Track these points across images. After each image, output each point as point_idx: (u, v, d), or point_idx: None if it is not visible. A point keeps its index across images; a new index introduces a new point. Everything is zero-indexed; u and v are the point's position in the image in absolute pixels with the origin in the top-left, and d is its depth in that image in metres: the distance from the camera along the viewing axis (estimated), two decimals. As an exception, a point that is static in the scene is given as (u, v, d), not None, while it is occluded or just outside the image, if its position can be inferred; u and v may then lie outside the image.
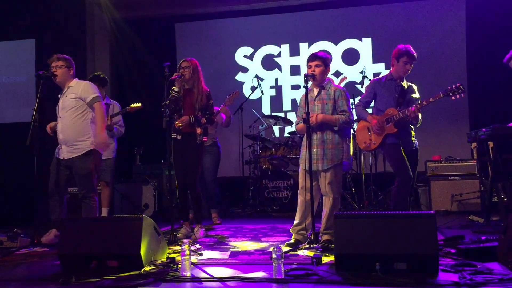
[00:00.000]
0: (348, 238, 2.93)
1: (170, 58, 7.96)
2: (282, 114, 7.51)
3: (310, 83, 3.98)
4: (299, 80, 7.68)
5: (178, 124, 4.50)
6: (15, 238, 4.25)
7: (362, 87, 6.72)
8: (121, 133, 5.64)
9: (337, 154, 3.86)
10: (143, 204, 6.35)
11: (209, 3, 7.82)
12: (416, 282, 2.58)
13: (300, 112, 4.04)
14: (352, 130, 6.39)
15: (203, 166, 5.09)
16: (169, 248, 3.71)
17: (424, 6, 7.38)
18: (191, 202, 4.67)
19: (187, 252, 2.93)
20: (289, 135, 6.78)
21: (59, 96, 4.46)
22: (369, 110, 4.47)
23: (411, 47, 4.23)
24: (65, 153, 4.32)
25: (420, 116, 4.12)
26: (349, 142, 4.04)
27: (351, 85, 7.53)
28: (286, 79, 7.87)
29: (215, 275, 2.93)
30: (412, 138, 4.24)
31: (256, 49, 8.01)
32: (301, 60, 7.66)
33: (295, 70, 7.83)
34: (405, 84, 4.29)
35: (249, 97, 7.25)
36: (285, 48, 7.93)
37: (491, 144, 4.83)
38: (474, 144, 5.94)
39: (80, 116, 4.34)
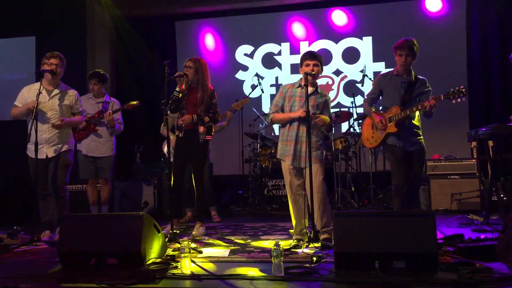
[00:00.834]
0: (348, 237, 2.93)
1: (170, 56, 7.98)
2: (282, 113, 7.50)
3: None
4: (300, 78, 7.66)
5: (180, 122, 4.50)
6: (15, 235, 4.27)
7: (362, 86, 6.72)
8: (121, 130, 5.64)
9: (321, 151, 3.99)
10: (143, 202, 6.36)
11: (209, 1, 7.81)
12: (416, 280, 2.58)
13: (292, 106, 4.02)
14: (359, 126, 6.40)
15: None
16: (169, 246, 3.71)
17: (424, 5, 7.36)
18: (196, 198, 4.60)
19: (186, 250, 2.94)
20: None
21: (40, 91, 4.31)
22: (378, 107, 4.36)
23: (409, 38, 4.06)
24: (50, 152, 4.49)
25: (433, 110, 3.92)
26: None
27: (351, 83, 7.53)
28: (286, 77, 7.86)
29: (214, 273, 2.94)
30: (418, 138, 4.07)
31: (256, 47, 8.01)
32: (301, 59, 7.65)
33: (295, 68, 7.80)
34: (413, 77, 4.10)
35: (249, 95, 7.23)
36: (285, 46, 7.93)
37: (490, 143, 4.84)
38: (474, 143, 5.94)
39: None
